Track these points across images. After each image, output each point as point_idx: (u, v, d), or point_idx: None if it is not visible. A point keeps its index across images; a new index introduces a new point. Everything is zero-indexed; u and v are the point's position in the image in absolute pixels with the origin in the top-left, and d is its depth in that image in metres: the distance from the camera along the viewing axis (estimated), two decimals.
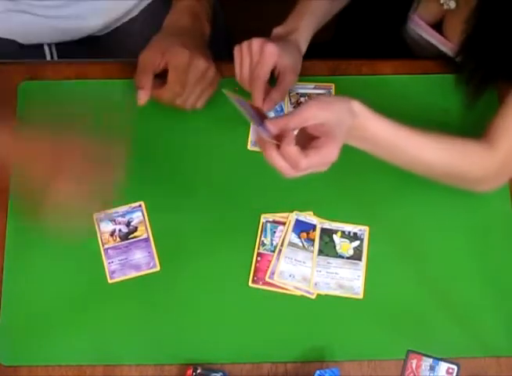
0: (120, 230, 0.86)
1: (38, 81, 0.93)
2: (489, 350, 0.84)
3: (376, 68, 0.95)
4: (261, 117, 0.73)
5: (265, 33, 0.88)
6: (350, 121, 0.74)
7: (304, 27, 0.90)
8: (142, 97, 0.87)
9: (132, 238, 0.86)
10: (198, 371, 0.80)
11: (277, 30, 0.90)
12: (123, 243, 0.86)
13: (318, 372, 0.79)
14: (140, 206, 0.87)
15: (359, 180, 0.90)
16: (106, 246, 0.85)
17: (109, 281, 0.85)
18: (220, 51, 1.12)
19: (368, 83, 0.94)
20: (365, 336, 0.84)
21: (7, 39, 1.04)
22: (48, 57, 1.06)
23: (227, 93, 0.74)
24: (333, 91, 0.93)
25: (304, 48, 0.90)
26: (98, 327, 0.84)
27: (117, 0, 1.03)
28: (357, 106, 0.74)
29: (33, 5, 0.98)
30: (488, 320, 0.85)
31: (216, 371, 0.80)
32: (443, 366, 0.82)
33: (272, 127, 0.70)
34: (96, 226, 0.84)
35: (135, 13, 1.07)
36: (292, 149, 0.69)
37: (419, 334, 0.84)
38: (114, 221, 0.86)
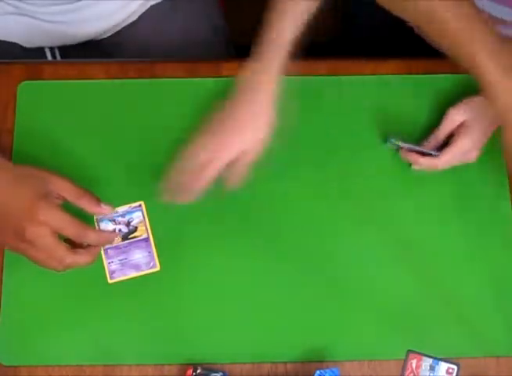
0: (120, 230, 0.86)
1: (38, 81, 0.93)
2: (489, 350, 0.84)
3: (376, 68, 0.94)
4: None
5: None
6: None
7: None
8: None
9: (132, 238, 0.86)
10: (198, 371, 0.80)
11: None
12: (123, 243, 0.86)
13: (318, 372, 0.79)
14: (140, 206, 0.87)
15: (361, 184, 0.90)
16: (106, 246, 0.85)
17: (109, 281, 0.85)
18: (220, 51, 1.12)
19: (368, 83, 0.93)
20: (365, 336, 0.84)
21: (9, 42, 1.04)
22: (50, 59, 1.06)
23: None
24: None
25: None
26: (98, 327, 0.84)
27: (120, 3, 1.03)
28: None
29: (35, 11, 0.98)
30: (488, 320, 0.85)
31: (216, 371, 0.80)
32: (443, 367, 0.82)
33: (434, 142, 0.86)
34: (96, 226, 0.84)
35: (136, 17, 1.07)
36: None
37: (419, 334, 0.84)
38: (114, 221, 0.86)
